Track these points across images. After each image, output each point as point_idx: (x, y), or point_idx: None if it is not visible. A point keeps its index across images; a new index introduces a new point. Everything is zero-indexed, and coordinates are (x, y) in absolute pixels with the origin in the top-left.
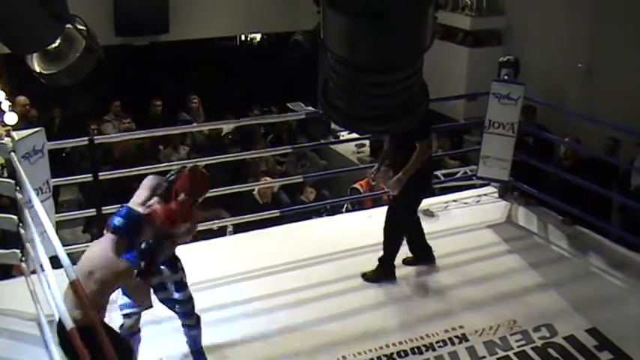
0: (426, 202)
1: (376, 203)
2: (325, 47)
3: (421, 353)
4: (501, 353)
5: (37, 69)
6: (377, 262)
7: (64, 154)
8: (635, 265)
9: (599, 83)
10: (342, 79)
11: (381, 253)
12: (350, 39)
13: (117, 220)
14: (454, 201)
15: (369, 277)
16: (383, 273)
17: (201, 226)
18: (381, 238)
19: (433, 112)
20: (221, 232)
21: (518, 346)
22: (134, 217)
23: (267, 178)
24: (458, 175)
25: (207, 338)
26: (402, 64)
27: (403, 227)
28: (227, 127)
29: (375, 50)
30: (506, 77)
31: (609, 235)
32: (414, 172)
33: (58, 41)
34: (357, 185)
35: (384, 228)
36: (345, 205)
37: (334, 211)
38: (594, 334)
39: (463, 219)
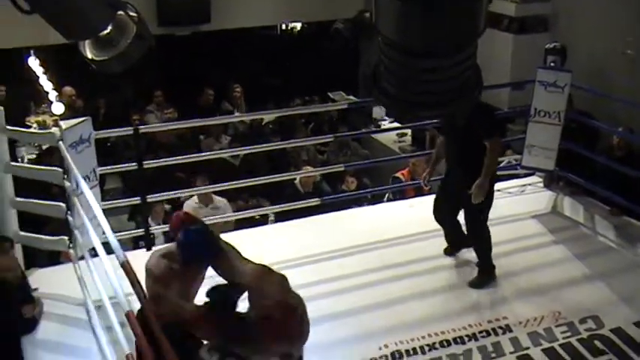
0: None
1: (418, 192)
2: (377, 31)
3: (464, 343)
4: (546, 344)
5: (89, 55)
6: (476, 268)
7: (108, 144)
8: None
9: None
10: (393, 63)
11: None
12: (401, 22)
13: (181, 234)
14: (498, 190)
15: (475, 284)
16: (486, 276)
17: (242, 215)
18: (423, 227)
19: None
20: (263, 221)
21: (563, 338)
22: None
23: (309, 167)
24: (502, 165)
25: None
26: (454, 49)
27: (483, 223)
28: (268, 116)
29: (427, 34)
30: (552, 64)
31: None
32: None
33: (109, 28)
34: (398, 174)
35: (468, 233)
36: (387, 195)
37: (375, 200)
38: None
39: (507, 209)
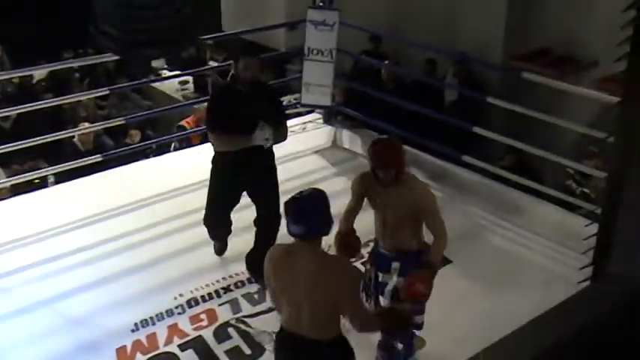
0: None
1: (203, 139)
2: None
3: (257, 281)
4: None
5: None
6: None
7: None
8: (451, 175)
9: (407, 4)
10: (107, 3)
11: None
12: None
13: None
14: None
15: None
16: None
17: (18, 179)
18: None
19: (256, 45)
20: (43, 184)
21: None
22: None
23: (86, 124)
24: (283, 104)
25: (40, 292)
26: None
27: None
28: (38, 73)
29: None
30: (321, 4)
31: (436, 153)
32: None
33: None
34: (183, 122)
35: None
36: (173, 144)
37: (161, 150)
38: None
39: (290, 147)
